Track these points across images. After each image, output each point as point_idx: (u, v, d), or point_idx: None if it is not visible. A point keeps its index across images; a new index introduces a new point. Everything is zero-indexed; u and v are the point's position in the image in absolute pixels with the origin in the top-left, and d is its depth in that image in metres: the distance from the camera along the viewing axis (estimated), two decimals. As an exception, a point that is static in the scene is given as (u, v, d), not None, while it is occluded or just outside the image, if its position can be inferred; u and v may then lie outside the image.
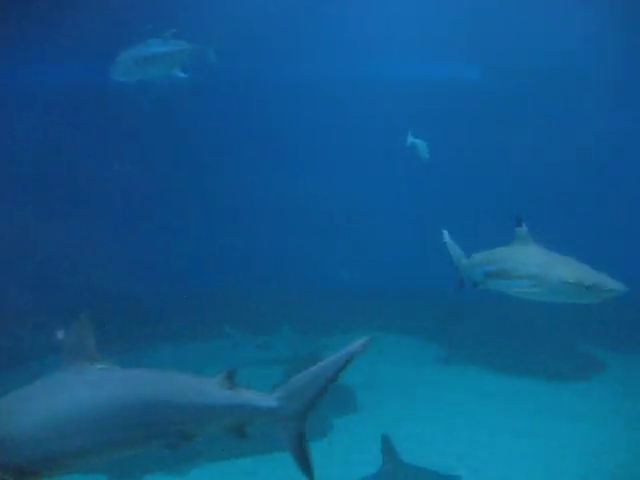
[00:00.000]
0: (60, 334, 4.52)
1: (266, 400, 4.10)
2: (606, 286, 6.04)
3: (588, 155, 20.65)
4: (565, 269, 6.30)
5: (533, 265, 6.55)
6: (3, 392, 4.00)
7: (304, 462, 4.16)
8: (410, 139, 13.31)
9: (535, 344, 14.77)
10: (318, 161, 21.73)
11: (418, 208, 20.28)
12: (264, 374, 11.61)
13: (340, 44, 20.52)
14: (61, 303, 12.05)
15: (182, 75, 10.59)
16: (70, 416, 3.79)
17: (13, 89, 19.71)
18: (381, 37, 20.28)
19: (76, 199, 19.31)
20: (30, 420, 3.74)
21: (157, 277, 17.88)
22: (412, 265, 19.28)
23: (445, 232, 7.97)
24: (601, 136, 20.72)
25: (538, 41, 19.27)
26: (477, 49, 20.56)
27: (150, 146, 20.83)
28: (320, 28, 19.93)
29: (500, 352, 14.80)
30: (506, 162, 20.91)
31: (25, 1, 16.65)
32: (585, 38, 18.79)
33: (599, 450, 10.04)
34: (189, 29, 11.18)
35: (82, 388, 3.93)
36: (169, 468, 9.34)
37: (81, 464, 3.92)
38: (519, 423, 11.21)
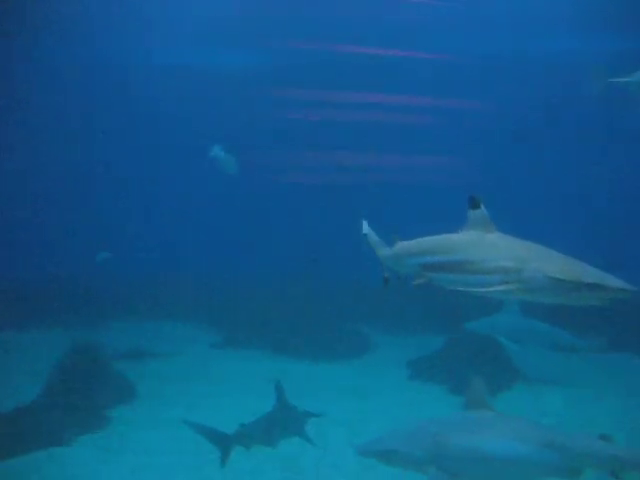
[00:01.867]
0: None
1: None
2: (612, 285, 4.87)
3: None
4: (553, 263, 5.14)
5: (504, 257, 5.33)
6: None
7: None
8: (215, 152, 13.34)
9: (314, 327, 15.67)
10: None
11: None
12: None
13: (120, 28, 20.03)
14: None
15: None
16: None
17: None
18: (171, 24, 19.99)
19: None
20: None
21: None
22: (189, 251, 19.60)
23: (365, 222, 6.91)
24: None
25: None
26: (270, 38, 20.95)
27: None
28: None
29: (280, 336, 15.50)
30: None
31: None
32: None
33: (363, 419, 10.91)
34: None
35: None
36: None
37: None
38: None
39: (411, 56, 20.72)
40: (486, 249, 5.49)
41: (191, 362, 14.45)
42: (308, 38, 20.34)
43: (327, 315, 16.18)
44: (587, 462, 5.59)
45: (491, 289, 5.27)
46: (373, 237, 6.83)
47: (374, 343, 15.92)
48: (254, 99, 21.84)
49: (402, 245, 6.45)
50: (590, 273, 4.99)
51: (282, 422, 8.83)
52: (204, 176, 20.08)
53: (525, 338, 12.85)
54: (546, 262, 5.15)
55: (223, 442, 7.99)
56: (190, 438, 8.74)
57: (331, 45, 20.59)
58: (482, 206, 5.66)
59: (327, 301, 16.61)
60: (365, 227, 6.87)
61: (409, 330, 16.46)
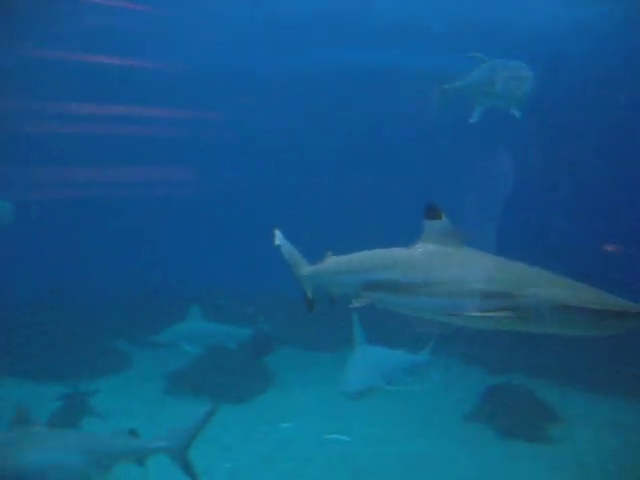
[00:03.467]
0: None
1: None
2: (633, 311, 4.05)
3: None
4: (561, 287, 4.30)
5: (493, 278, 4.44)
6: None
7: None
8: None
9: (68, 344, 15.10)
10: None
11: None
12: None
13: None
14: None
15: None
16: None
17: None
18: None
19: None
20: None
21: None
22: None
23: (277, 232, 5.93)
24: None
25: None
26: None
27: None
28: None
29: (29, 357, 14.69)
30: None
31: None
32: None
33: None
34: None
35: None
36: None
37: None
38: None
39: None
40: (459, 268, 4.64)
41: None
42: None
43: (80, 332, 15.77)
44: (114, 458, 6.36)
45: (474, 314, 4.40)
46: (289, 249, 5.90)
47: (132, 358, 15.84)
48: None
49: (336, 260, 5.51)
50: (607, 299, 4.21)
51: None
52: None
53: (208, 342, 13.40)
54: (552, 286, 4.33)
55: None
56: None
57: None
58: (444, 216, 4.82)
59: (80, 317, 16.24)
60: (279, 238, 5.93)
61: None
